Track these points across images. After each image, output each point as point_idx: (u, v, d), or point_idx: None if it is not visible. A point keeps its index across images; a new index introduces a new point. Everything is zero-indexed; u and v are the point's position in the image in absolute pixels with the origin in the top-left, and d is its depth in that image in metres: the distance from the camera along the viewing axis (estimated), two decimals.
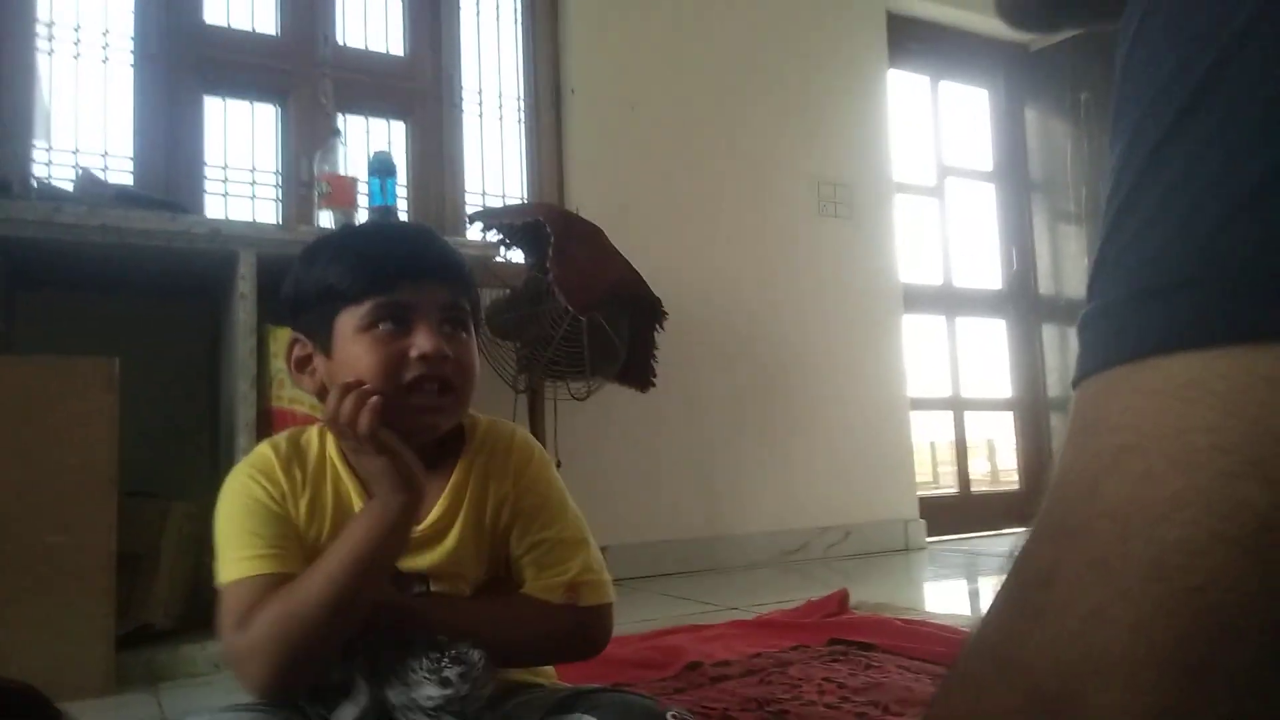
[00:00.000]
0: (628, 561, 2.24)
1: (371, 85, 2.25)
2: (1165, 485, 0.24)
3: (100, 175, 1.83)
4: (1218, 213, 0.25)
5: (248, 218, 2.04)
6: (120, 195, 1.61)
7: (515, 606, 0.78)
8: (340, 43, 2.22)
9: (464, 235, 2.13)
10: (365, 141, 2.25)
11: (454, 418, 0.78)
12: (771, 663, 1.27)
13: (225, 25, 2.12)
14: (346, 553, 0.69)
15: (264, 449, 0.79)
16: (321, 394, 0.78)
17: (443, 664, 0.68)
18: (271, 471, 0.76)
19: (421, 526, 0.76)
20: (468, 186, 2.35)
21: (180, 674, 1.40)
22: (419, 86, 2.31)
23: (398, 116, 2.30)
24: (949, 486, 3.21)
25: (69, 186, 1.66)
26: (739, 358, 2.54)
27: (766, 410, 2.56)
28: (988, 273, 3.31)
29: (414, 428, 0.74)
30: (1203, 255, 0.25)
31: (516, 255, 2.05)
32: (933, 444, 4.52)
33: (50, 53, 1.91)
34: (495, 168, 2.40)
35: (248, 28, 2.15)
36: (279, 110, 2.16)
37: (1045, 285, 3.31)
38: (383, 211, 1.81)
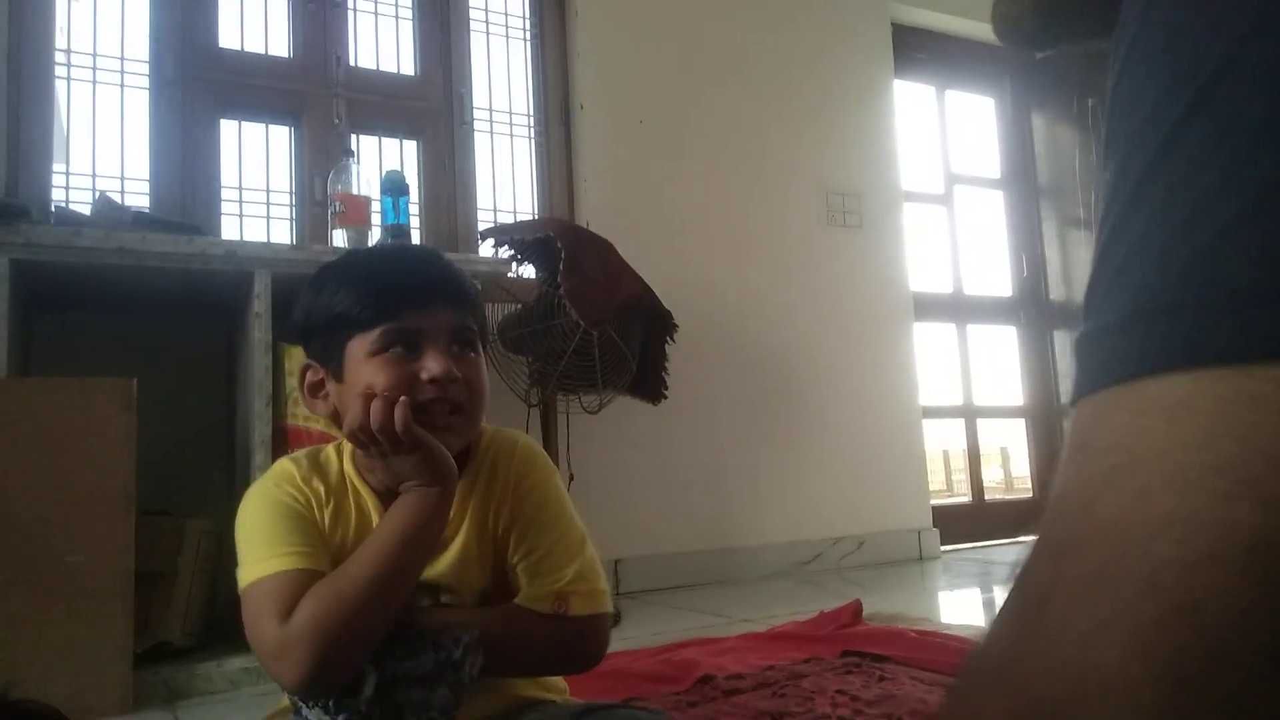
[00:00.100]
0: (640, 574, 2.24)
1: (383, 105, 2.28)
2: (1158, 504, 0.24)
3: (118, 199, 1.85)
4: (1203, 238, 0.25)
5: (263, 238, 2.07)
6: (137, 218, 1.64)
7: (503, 616, 0.78)
8: (352, 64, 2.25)
9: (476, 251, 2.15)
10: (378, 161, 2.28)
11: (465, 438, 0.79)
12: (784, 675, 1.26)
13: (239, 49, 2.15)
14: (389, 535, 0.71)
15: (284, 463, 0.80)
16: (334, 419, 0.79)
17: (438, 637, 0.71)
18: (295, 481, 0.78)
19: None
20: (480, 203, 2.37)
21: (197, 692, 1.41)
22: (430, 105, 2.34)
23: (410, 135, 2.32)
24: (963, 495, 3.19)
25: (87, 210, 1.69)
26: (750, 369, 2.54)
27: (778, 421, 2.56)
28: (998, 279, 3.30)
29: None
30: (1190, 278, 0.25)
31: (528, 270, 2.06)
32: (946, 452, 4.51)
33: (68, 80, 1.95)
34: (506, 184, 2.43)
35: (261, 51, 2.18)
36: (293, 131, 2.19)
37: (1056, 291, 3.29)
38: (396, 230, 1.83)
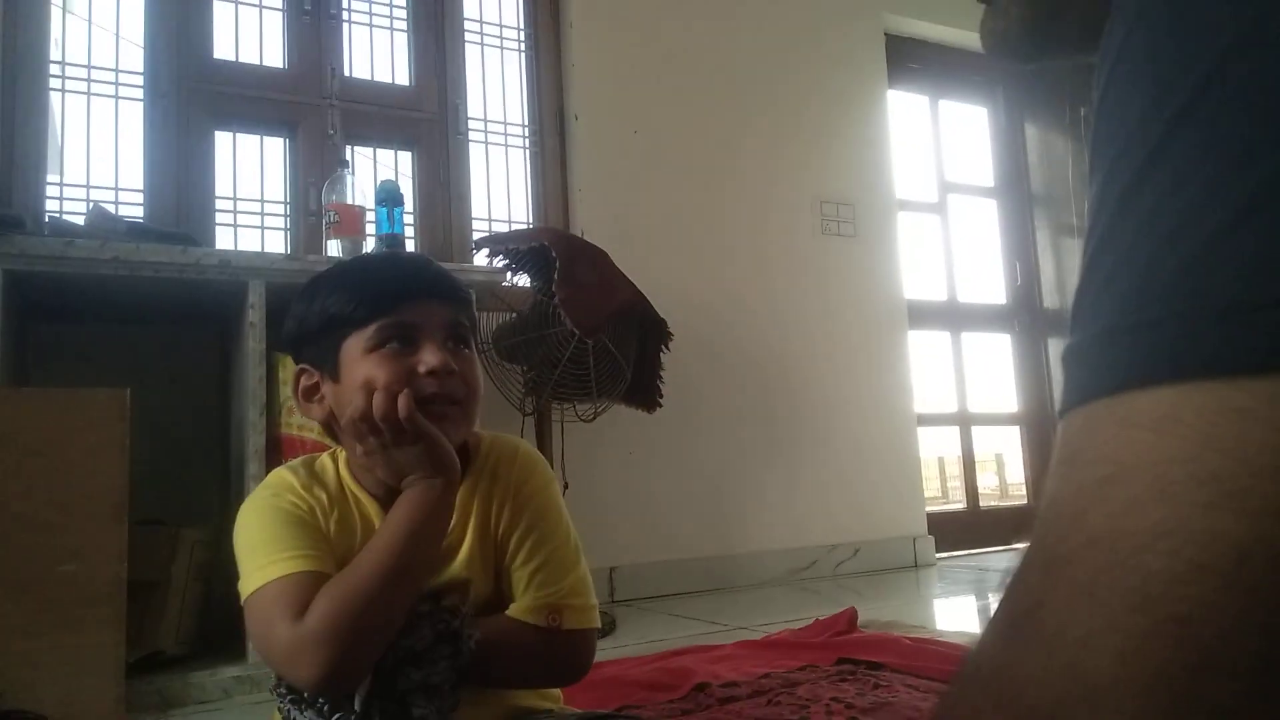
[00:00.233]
0: (635, 582, 2.23)
1: (378, 116, 2.28)
2: (1147, 515, 0.25)
3: (112, 210, 1.85)
4: (1189, 249, 0.25)
5: (257, 248, 2.07)
6: (131, 229, 1.64)
7: (495, 628, 0.77)
8: (347, 74, 2.25)
9: (470, 261, 2.15)
10: (373, 171, 2.28)
11: (463, 431, 0.79)
12: (780, 683, 1.26)
13: (234, 60, 2.15)
14: (397, 529, 0.71)
15: (281, 473, 0.80)
16: (329, 421, 0.79)
17: (433, 613, 0.72)
18: (295, 490, 0.77)
19: None
20: (474, 213, 2.38)
21: (190, 701, 1.40)
22: (425, 116, 2.34)
23: (404, 146, 2.33)
24: (958, 501, 3.20)
25: (81, 221, 1.68)
26: (745, 377, 2.54)
27: (773, 429, 2.56)
28: (992, 288, 3.31)
29: None
30: (1176, 289, 0.26)
31: (522, 280, 2.07)
32: (941, 459, 4.52)
33: (63, 91, 1.95)
34: (501, 194, 2.43)
35: (256, 62, 2.18)
36: (287, 142, 2.19)
37: (1050, 299, 3.31)
38: (390, 240, 1.83)
